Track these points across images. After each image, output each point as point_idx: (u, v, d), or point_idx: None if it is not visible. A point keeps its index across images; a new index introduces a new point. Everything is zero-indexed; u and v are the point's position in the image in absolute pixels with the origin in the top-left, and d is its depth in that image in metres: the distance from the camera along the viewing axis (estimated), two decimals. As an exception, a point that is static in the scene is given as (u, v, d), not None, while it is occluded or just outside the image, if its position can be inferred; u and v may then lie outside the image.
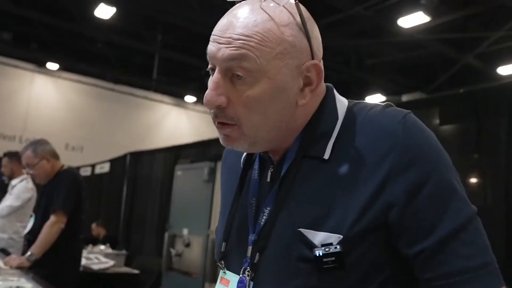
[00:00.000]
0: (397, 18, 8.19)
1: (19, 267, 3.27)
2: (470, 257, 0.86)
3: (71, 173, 3.88)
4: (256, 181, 1.04)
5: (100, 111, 13.71)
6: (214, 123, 0.97)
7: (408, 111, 0.95)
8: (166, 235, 5.59)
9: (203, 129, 14.42)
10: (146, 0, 8.88)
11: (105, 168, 10.29)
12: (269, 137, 0.97)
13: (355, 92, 11.41)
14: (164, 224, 6.39)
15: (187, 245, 5.15)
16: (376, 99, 11.53)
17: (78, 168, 11.90)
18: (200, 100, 14.49)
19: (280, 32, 0.90)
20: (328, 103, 1.00)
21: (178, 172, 5.75)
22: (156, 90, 14.10)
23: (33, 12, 9.61)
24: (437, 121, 3.76)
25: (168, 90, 14.08)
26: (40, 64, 12.66)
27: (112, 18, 9.26)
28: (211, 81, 0.92)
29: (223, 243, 1.08)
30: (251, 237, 0.99)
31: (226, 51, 0.89)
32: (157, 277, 6.16)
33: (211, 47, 0.93)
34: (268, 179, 1.02)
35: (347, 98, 1.05)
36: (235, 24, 0.90)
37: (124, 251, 6.84)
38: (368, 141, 0.92)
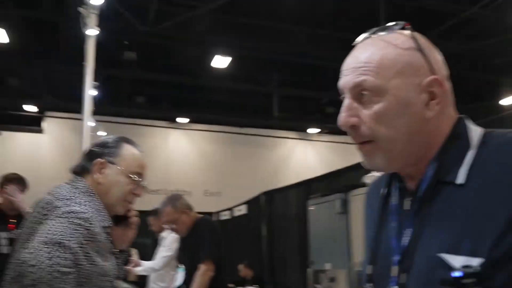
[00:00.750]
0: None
1: None
2: None
3: (208, 222, 4.11)
4: (397, 206, 1.10)
5: (231, 155, 14.12)
6: (357, 146, 1.09)
7: None
8: (310, 271, 5.59)
9: (330, 158, 14.39)
10: (257, 44, 9.17)
11: (243, 210, 10.62)
12: (405, 152, 1.04)
13: (487, 96, 10.68)
14: (305, 260, 6.40)
15: (332, 279, 5.10)
16: (510, 101, 10.59)
17: (218, 212, 12.50)
18: (323, 131, 14.48)
19: (396, 54, 1.03)
20: (460, 129, 1.05)
21: (311, 207, 5.77)
22: (280, 127, 14.20)
23: (159, 75, 10.33)
24: None
25: (290, 125, 14.13)
26: (171, 120, 13.41)
27: (229, 67, 9.62)
28: (343, 106, 1.06)
29: (370, 266, 1.14)
30: (396, 257, 1.04)
31: (351, 78, 1.03)
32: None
33: (341, 80, 1.08)
34: (407, 207, 1.07)
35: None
36: (357, 56, 1.06)
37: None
38: (506, 165, 0.95)
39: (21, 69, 9.86)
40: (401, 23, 1.09)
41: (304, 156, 14.85)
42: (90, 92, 3.41)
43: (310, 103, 12.81)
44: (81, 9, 3.55)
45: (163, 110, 12.80)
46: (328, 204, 5.14)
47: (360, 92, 1.04)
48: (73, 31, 8.46)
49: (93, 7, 3.45)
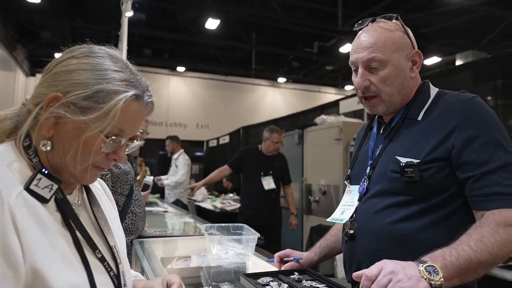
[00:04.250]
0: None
1: None
2: (505, 186, 1.00)
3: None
4: (375, 134, 1.29)
5: (217, 97, 13.97)
6: (361, 100, 1.24)
7: (477, 95, 1.13)
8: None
9: (293, 102, 14.36)
10: (241, 9, 9.00)
11: (226, 139, 10.70)
12: (397, 101, 1.19)
13: None
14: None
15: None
16: (432, 61, 10.74)
17: (207, 141, 12.68)
18: (289, 80, 14.43)
19: (393, 37, 1.17)
20: (423, 88, 1.22)
21: None
22: (256, 76, 14.12)
23: (163, 33, 10.05)
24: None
25: (264, 75, 13.98)
26: (172, 69, 13.19)
27: (218, 27, 9.41)
28: (358, 74, 1.19)
29: (349, 169, 1.34)
30: (370, 162, 1.23)
31: (365, 55, 1.16)
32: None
33: (353, 56, 1.20)
34: (381, 132, 1.27)
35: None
36: (366, 39, 1.18)
37: (246, 197, 7.34)
38: (447, 108, 1.12)
39: (51, 24, 9.52)
40: (394, 15, 1.21)
41: (273, 99, 14.78)
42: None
43: (280, 58, 12.74)
44: None
45: (165, 61, 12.52)
46: (290, 138, 5.21)
47: (370, 64, 1.16)
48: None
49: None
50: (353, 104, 5.42)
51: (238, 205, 5.49)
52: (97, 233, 0.87)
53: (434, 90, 1.21)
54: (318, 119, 4.74)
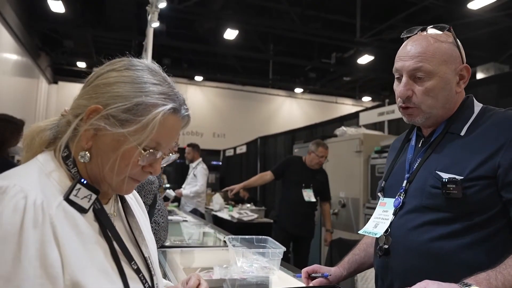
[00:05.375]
0: (467, 2, 7.52)
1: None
2: None
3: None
4: (413, 146, 1.25)
5: (234, 107, 14.04)
6: (399, 109, 1.20)
7: None
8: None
9: (310, 112, 14.36)
10: (259, 20, 9.05)
11: (243, 149, 10.73)
12: (437, 114, 1.15)
13: None
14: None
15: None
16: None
17: (224, 150, 12.71)
18: (306, 91, 14.44)
19: (443, 48, 1.12)
20: (467, 102, 1.18)
21: (296, 150, 5.78)
22: (273, 86, 14.12)
23: (182, 43, 10.13)
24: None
25: (281, 85, 13.96)
26: (190, 78, 13.27)
27: (236, 38, 9.44)
28: (402, 82, 1.14)
29: (383, 181, 1.29)
30: (406, 175, 1.19)
31: (411, 64, 1.12)
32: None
33: (399, 63, 1.16)
34: (420, 145, 1.23)
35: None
36: (414, 48, 1.13)
37: (263, 207, 7.19)
38: (493, 125, 1.09)
39: (74, 33, 9.75)
40: (446, 26, 1.17)
41: (290, 110, 14.77)
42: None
43: (297, 69, 12.76)
44: (147, 8, 3.53)
45: (184, 70, 12.58)
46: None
47: (415, 74, 1.12)
48: (117, 4, 8.46)
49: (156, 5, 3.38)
50: (373, 116, 5.35)
51: (255, 215, 5.48)
52: (132, 243, 0.86)
53: (478, 106, 1.17)
54: (338, 131, 4.70)
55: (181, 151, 5.92)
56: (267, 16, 9.16)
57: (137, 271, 0.81)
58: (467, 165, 1.05)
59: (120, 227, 0.86)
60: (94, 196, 0.77)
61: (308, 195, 3.95)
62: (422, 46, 1.12)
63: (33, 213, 0.66)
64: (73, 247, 0.69)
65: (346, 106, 14.89)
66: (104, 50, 11.11)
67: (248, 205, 7.00)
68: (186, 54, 11.79)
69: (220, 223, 5.50)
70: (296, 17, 8.81)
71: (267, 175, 4.16)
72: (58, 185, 0.75)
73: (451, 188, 1.03)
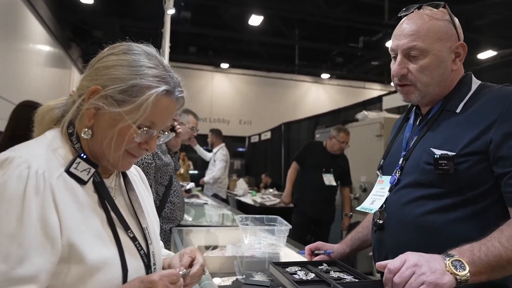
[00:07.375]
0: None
1: None
2: None
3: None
4: (411, 125, 1.27)
5: (260, 93, 14.01)
6: (396, 87, 1.20)
7: None
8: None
9: (337, 98, 14.12)
10: (284, 5, 8.99)
11: (268, 135, 10.79)
12: (433, 92, 1.15)
13: (468, 51, 10.00)
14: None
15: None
16: (487, 55, 10.11)
17: (249, 136, 12.78)
18: (332, 76, 14.23)
19: (438, 26, 1.11)
20: (465, 80, 1.18)
21: (317, 135, 5.78)
22: (299, 72, 13.96)
23: (208, 30, 10.21)
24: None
25: (307, 71, 13.79)
26: (216, 65, 13.34)
27: (261, 24, 9.40)
28: (397, 61, 1.15)
29: (382, 160, 1.32)
30: (403, 153, 1.21)
31: (406, 43, 1.13)
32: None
33: (394, 43, 1.17)
34: (417, 123, 1.24)
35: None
36: (409, 26, 1.14)
37: (285, 193, 7.31)
38: (487, 101, 1.08)
39: (103, 23, 10.00)
40: (441, 3, 1.15)
41: (316, 95, 14.60)
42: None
43: (323, 54, 12.56)
44: None
45: (210, 57, 12.69)
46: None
47: (409, 52, 1.12)
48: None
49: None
50: (397, 100, 5.26)
51: (278, 200, 5.52)
52: (130, 215, 0.94)
53: (476, 83, 1.17)
54: (359, 115, 4.66)
55: (207, 138, 6.02)
56: (292, 1, 9.04)
57: (133, 239, 0.88)
58: (460, 141, 1.06)
59: (120, 199, 0.94)
60: (92, 170, 0.85)
61: (329, 179, 3.98)
62: (417, 25, 1.12)
63: (35, 181, 0.74)
64: (71, 212, 0.77)
65: (374, 91, 14.56)
66: (132, 40, 11.16)
67: (271, 190, 7.07)
68: (212, 41, 11.83)
69: (243, 208, 5.61)
70: (322, 0, 8.66)
71: (296, 166, 4.21)
72: (62, 160, 0.83)
73: (443, 164, 1.05)
